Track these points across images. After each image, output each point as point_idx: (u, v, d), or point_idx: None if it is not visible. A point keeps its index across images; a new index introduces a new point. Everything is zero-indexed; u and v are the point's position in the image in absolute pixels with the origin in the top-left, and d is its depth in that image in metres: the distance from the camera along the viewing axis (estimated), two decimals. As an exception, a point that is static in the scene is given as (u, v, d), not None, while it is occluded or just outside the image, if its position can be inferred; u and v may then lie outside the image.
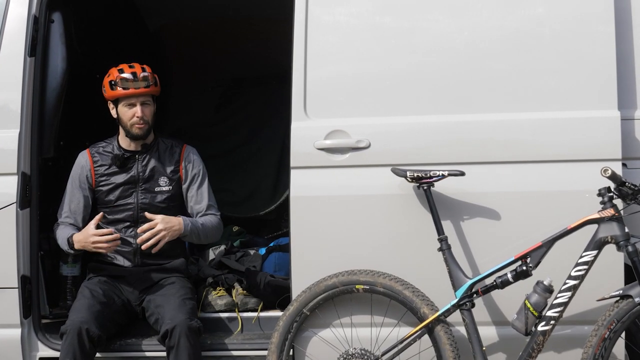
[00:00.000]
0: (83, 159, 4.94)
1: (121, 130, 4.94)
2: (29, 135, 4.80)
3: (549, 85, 4.53)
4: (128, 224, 4.92)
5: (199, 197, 4.99)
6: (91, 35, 5.48)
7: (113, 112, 4.93)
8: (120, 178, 4.92)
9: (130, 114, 4.84)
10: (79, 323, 4.48)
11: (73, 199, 4.92)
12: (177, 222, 4.79)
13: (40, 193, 4.85)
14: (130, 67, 4.86)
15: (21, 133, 4.76)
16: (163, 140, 5.03)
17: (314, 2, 4.64)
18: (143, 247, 4.73)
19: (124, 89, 4.81)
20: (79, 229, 4.87)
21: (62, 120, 5.01)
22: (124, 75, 4.81)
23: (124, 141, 4.95)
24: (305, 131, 4.59)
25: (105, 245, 4.69)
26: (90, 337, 4.47)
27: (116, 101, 4.88)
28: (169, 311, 4.62)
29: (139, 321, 4.89)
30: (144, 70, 4.86)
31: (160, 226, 4.73)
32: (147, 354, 4.76)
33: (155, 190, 4.93)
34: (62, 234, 4.85)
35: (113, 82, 4.83)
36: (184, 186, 4.99)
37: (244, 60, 6.95)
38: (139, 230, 4.79)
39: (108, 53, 5.71)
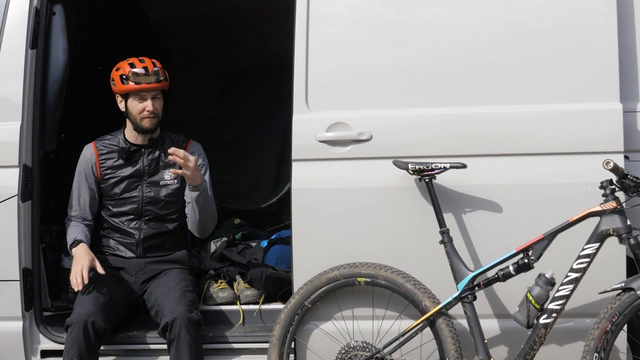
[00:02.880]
0: (88, 152, 4.94)
1: (128, 124, 4.94)
2: (30, 128, 4.80)
3: (551, 77, 4.53)
4: (132, 216, 4.93)
5: None
6: (92, 28, 5.48)
7: (121, 106, 4.92)
8: (125, 171, 4.92)
9: (141, 107, 4.84)
10: (85, 316, 4.48)
11: (81, 192, 4.92)
12: (200, 174, 4.74)
13: (42, 185, 4.86)
14: (141, 61, 4.86)
15: (23, 125, 4.76)
16: (169, 135, 5.03)
17: (315, -5, 4.65)
18: (170, 151, 4.62)
19: (136, 83, 4.81)
20: (90, 223, 4.90)
21: (64, 112, 5.02)
22: (135, 70, 4.82)
23: (130, 135, 4.95)
24: (307, 124, 4.59)
25: (74, 280, 4.60)
26: (95, 330, 4.47)
27: (126, 95, 4.87)
28: (168, 304, 4.62)
29: (141, 313, 4.89)
30: (154, 64, 4.86)
31: (191, 164, 4.63)
32: (149, 346, 4.76)
33: (161, 183, 4.93)
34: (72, 233, 4.84)
35: (125, 77, 4.82)
36: None
37: (245, 53, 6.95)
38: (170, 150, 4.64)
39: (109, 45, 5.71)
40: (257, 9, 6.59)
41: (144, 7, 6.49)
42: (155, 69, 4.84)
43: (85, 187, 4.91)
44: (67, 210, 4.94)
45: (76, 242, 4.75)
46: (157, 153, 4.95)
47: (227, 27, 6.87)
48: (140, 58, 4.88)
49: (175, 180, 4.94)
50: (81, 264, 4.63)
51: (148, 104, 4.83)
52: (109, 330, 4.58)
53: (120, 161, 4.92)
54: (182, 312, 4.52)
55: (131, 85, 4.82)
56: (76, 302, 4.66)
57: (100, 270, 4.65)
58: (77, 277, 4.58)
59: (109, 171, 4.92)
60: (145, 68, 4.82)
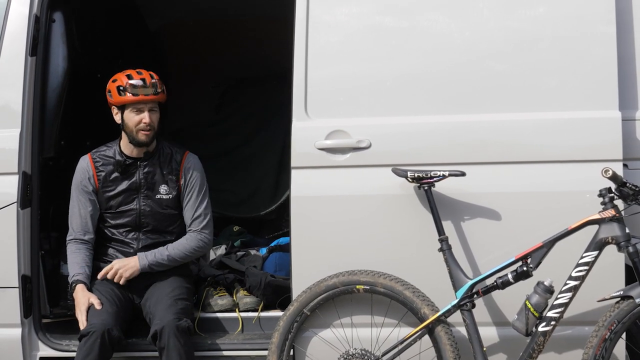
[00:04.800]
0: (85, 164, 4.91)
1: (124, 136, 4.89)
2: (29, 135, 4.80)
3: (550, 85, 4.54)
4: (130, 228, 4.91)
5: (192, 211, 4.93)
6: (92, 35, 5.48)
7: (117, 118, 4.86)
8: (122, 184, 4.89)
9: (137, 119, 4.78)
10: (102, 326, 4.47)
11: (81, 205, 4.87)
12: (133, 262, 4.81)
13: (41, 192, 4.85)
14: (139, 73, 4.82)
15: (22, 132, 4.76)
16: (165, 146, 4.98)
17: (315, 2, 4.64)
18: (99, 276, 4.80)
19: (133, 95, 4.76)
20: (92, 237, 4.87)
21: (63, 119, 5.01)
22: (133, 81, 4.77)
23: (126, 147, 4.90)
24: (306, 131, 4.59)
25: (79, 313, 4.64)
26: (111, 339, 4.47)
27: (122, 107, 4.82)
28: (158, 312, 4.62)
29: (140, 321, 4.88)
30: (152, 76, 4.82)
31: (117, 265, 4.79)
32: (149, 353, 4.74)
33: (156, 197, 4.90)
34: (72, 265, 4.81)
35: (122, 88, 4.77)
36: (182, 195, 4.95)
37: (245, 60, 6.96)
38: (99, 276, 4.81)
39: (109, 53, 5.72)
40: (256, 16, 6.60)
41: (144, 15, 6.49)
42: (153, 80, 4.80)
43: (85, 198, 4.88)
44: (69, 226, 4.89)
45: (75, 283, 4.73)
46: (153, 166, 4.91)
47: (226, 34, 6.88)
48: (138, 70, 4.84)
49: (171, 195, 4.93)
50: (79, 309, 4.64)
51: (145, 116, 4.78)
52: (122, 338, 4.59)
53: (116, 174, 4.90)
54: (170, 320, 4.51)
55: (129, 96, 4.76)
56: (89, 312, 4.63)
57: (97, 305, 4.62)
58: (83, 322, 4.60)
59: (105, 183, 4.89)
60: (143, 80, 4.77)
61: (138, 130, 4.80)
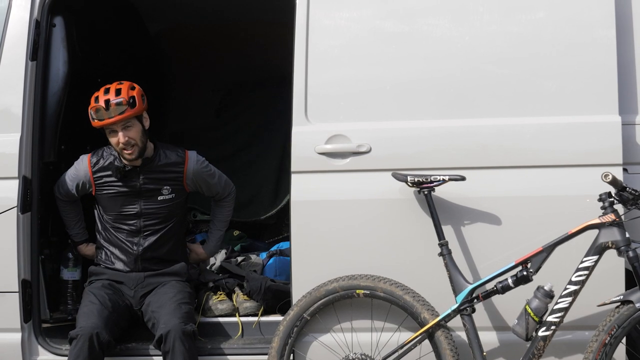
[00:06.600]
0: (83, 169, 4.91)
1: None
2: (30, 139, 4.80)
3: (550, 90, 4.54)
4: (131, 231, 4.92)
5: (215, 192, 5.14)
6: (93, 39, 5.48)
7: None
8: (122, 188, 4.88)
9: (115, 141, 4.76)
10: (90, 329, 4.47)
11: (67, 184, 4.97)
12: (203, 256, 5.33)
13: (41, 197, 4.85)
14: (105, 92, 4.73)
15: (22, 137, 4.76)
16: (164, 150, 4.96)
17: (315, 7, 4.65)
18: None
19: (99, 120, 4.72)
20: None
21: (64, 124, 5.01)
22: (97, 104, 4.71)
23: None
24: (306, 135, 4.59)
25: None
26: (100, 343, 4.47)
27: (101, 129, 4.80)
28: (163, 316, 4.62)
29: (140, 325, 4.89)
30: (118, 93, 4.71)
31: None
32: (148, 358, 4.76)
33: (159, 199, 4.91)
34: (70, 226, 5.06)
35: (91, 113, 4.75)
36: (198, 188, 5.04)
37: (245, 65, 6.95)
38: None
39: (109, 57, 5.72)
40: (256, 20, 6.59)
41: (144, 19, 6.50)
42: (117, 99, 4.68)
43: (73, 186, 4.94)
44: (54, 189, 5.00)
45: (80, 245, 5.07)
46: (153, 171, 4.90)
47: (227, 38, 6.88)
48: (107, 87, 4.77)
49: (173, 195, 4.93)
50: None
51: (120, 137, 4.73)
52: (112, 343, 4.58)
53: (115, 178, 4.88)
54: (176, 324, 4.51)
55: (96, 122, 4.74)
56: (80, 314, 4.66)
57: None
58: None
59: (104, 184, 4.89)
60: (107, 102, 4.68)
61: (121, 150, 4.79)
